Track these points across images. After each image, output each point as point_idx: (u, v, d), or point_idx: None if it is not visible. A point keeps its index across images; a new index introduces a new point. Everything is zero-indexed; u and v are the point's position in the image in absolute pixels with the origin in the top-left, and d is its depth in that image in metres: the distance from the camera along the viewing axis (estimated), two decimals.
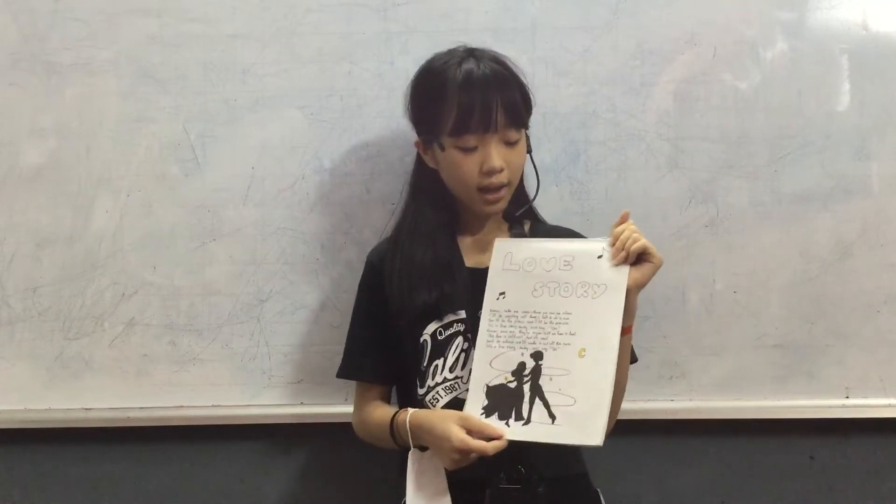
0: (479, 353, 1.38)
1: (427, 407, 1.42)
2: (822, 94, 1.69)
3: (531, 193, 1.56)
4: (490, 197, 1.44)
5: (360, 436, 1.53)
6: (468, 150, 1.42)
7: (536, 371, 1.35)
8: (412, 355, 1.45)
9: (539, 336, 1.36)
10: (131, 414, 1.74)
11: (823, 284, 1.69)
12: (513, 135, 1.42)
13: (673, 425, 1.71)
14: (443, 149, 1.44)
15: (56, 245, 1.74)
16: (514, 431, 1.32)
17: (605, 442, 1.44)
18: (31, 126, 1.74)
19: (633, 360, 1.52)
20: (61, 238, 1.74)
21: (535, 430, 1.32)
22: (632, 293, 1.35)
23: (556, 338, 1.35)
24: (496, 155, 1.41)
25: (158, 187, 1.73)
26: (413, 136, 1.53)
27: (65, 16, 1.73)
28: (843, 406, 1.69)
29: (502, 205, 1.46)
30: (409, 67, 1.68)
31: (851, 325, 1.69)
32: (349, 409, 1.59)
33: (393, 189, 1.70)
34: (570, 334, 1.35)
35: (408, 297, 1.43)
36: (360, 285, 1.55)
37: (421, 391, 1.44)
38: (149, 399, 1.74)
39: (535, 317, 1.37)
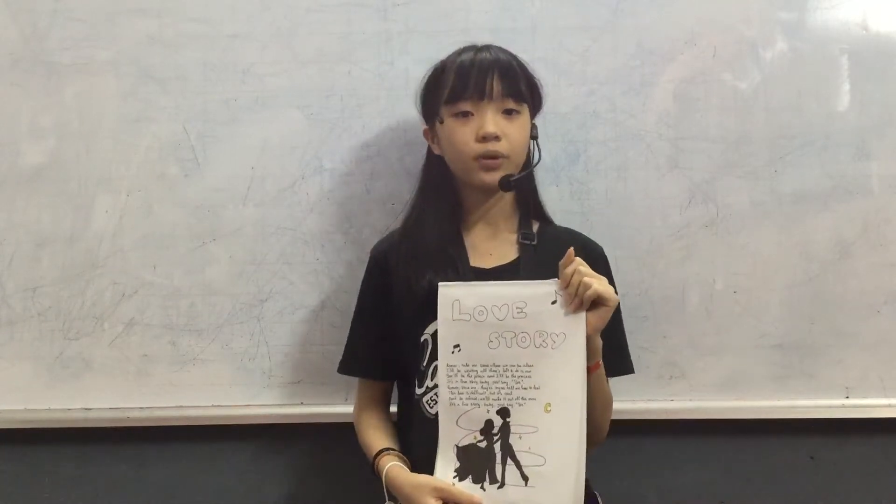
0: (442, 412, 1.36)
1: (424, 409, 1.42)
2: (822, 94, 1.69)
3: (539, 189, 1.57)
4: (487, 163, 1.42)
5: (356, 434, 1.53)
6: (464, 118, 1.43)
7: (505, 429, 1.33)
8: (412, 355, 1.45)
9: (503, 391, 1.33)
10: (131, 414, 1.74)
11: (823, 284, 1.69)
12: (510, 103, 1.43)
13: (673, 425, 1.71)
14: (442, 122, 1.45)
15: (56, 245, 1.74)
16: (489, 496, 1.31)
17: (605, 442, 1.45)
18: (31, 126, 1.74)
19: (629, 371, 1.53)
20: (61, 238, 1.74)
21: (510, 493, 1.31)
22: (591, 337, 1.34)
23: (521, 392, 1.33)
24: (491, 121, 1.41)
25: (158, 187, 1.73)
26: (420, 136, 1.55)
27: (65, 16, 1.73)
28: (844, 406, 1.69)
29: (500, 172, 1.44)
30: (409, 67, 1.69)
31: (851, 325, 1.69)
32: (349, 409, 1.59)
33: (393, 189, 1.71)
34: (535, 388, 1.32)
35: (414, 280, 1.43)
36: (363, 281, 1.56)
37: (419, 391, 1.44)
38: (149, 399, 1.74)
39: (495, 370, 1.34)
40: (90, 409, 1.74)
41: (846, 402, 1.69)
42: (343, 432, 1.57)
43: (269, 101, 1.72)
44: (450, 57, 1.48)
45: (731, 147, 1.69)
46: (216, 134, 1.73)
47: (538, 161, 1.50)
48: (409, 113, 1.63)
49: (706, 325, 1.69)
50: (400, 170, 1.70)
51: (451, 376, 1.35)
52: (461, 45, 1.49)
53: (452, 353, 1.36)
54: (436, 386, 1.40)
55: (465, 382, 1.35)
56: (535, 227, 1.53)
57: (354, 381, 1.57)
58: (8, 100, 1.74)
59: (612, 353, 1.45)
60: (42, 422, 1.75)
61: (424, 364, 1.43)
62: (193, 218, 1.73)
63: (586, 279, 1.31)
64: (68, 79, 1.74)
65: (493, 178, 1.44)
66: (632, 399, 1.67)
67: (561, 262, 1.34)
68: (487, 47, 1.46)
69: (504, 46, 1.49)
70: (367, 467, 1.44)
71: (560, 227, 1.56)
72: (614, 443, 1.48)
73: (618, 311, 1.50)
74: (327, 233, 1.72)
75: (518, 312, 1.34)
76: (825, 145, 1.68)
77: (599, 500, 1.47)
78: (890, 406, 1.69)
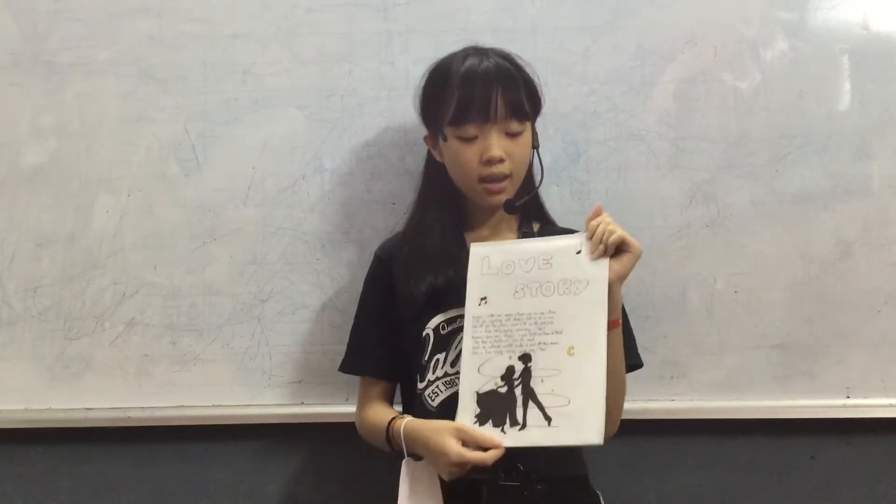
0: (465, 360, 1.37)
1: (426, 402, 1.42)
2: (822, 94, 1.69)
3: (539, 191, 1.56)
4: (491, 187, 1.44)
5: (360, 433, 1.53)
6: (468, 140, 1.43)
7: (526, 374, 1.33)
8: (414, 349, 1.45)
9: (525, 338, 1.34)
10: (131, 414, 1.73)
11: (824, 284, 1.69)
12: (514, 126, 1.43)
13: (673, 425, 1.71)
14: (445, 139, 1.45)
15: (56, 245, 1.74)
16: (510, 437, 1.31)
17: (606, 443, 1.45)
18: (32, 126, 1.74)
19: (639, 365, 1.52)
20: (61, 238, 1.74)
21: (532, 434, 1.31)
22: (614, 285, 1.34)
23: (543, 338, 1.34)
24: (496, 145, 1.42)
25: (158, 187, 1.73)
26: (420, 136, 1.54)
27: (65, 16, 1.74)
28: (844, 406, 1.69)
29: (505, 195, 1.45)
30: (409, 67, 1.69)
31: (852, 325, 1.69)
32: (349, 409, 1.59)
33: (393, 189, 1.71)
34: (557, 333, 1.33)
35: (414, 283, 1.44)
36: (366, 280, 1.56)
37: (421, 385, 1.44)
38: (149, 399, 1.73)
39: (518, 319, 1.35)
40: (91, 409, 1.74)
41: (847, 401, 1.69)
42: (343, 432, 1.57)
43: (269, 101, 1.72)
44: (452, 65, 1.45)
45: (731, 147, 1.69)
46: (216, 134, 1.73)
47: (542, 180, 1.52)
48: (410, 113, 1.63)
49: (707, 325, 1.69)
50: (401, 170, 1.70)
51: (476, 327, 1.37)
52: (461, 45, 1.49)
53: (479, 305, 1.38)
54: (436, 379, 1.42)
55: (490, 332, 1.36)
56: (536, 227, 1.54)
57: (355, 381, 1.57)
58: (8, 100, 1.74)
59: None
60: (42, 422, 1.75)
61: (426, 358, 1.44)
62: (194, 218, 1.73)
63: (611, 226, 1.34)
64: (68, 79, 1.74)
65: (497, 200, 1.45)
66: (632, 399, 1.65)
67: (588, 217, 1.37)
68: (487, 54, 1.45)
69: (504, 46, 1.49)
70: (371, 463, 1.44)
71: (560, 228, 1.57)
72: (614, 443, 1.47)
73: (624, 310, 1.50)
74: (328, 233, 1.72)
75: (544, 264, 1.37)
76: (825, 145, 1.68)
77: (601, 499, 1.47)
78: (891, 406, 1.69)
